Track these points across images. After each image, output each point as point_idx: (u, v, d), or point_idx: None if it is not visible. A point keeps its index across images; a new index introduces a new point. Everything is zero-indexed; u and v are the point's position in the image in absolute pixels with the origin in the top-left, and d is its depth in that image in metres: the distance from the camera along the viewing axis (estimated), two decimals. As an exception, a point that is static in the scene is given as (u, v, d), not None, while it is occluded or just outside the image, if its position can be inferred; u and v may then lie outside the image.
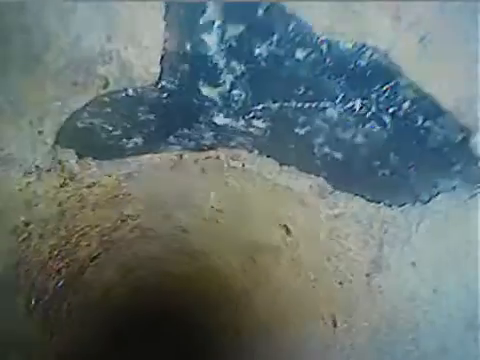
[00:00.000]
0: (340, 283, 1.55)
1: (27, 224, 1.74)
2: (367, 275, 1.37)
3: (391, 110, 1.06)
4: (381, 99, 1.06)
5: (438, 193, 1.08)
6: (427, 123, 1.01)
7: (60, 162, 1.54)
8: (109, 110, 1.38)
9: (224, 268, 2.81)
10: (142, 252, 2.87)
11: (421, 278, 1.13)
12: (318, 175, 1.51)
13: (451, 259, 1.01)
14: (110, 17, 0.98)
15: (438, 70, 0.83)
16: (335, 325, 1.60)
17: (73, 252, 2.30)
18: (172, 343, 4.15)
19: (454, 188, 1.02)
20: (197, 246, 2.76)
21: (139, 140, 1.59)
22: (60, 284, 2.34)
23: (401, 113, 1.05)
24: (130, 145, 1.61)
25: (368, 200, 1.34)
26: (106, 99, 1.30)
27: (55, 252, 2.16)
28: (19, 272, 1.93)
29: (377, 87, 1.04)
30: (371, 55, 0.96)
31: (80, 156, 1.58)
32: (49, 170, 1.51)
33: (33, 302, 2.11)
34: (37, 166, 1.43)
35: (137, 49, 1.09)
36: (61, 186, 1.67)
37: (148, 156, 1.72)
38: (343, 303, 1.54)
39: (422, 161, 1.09)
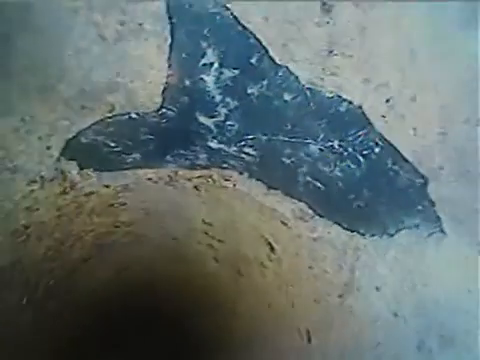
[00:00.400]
0: (316, 301, 1.67)
1: (26, 227, 1.85)
2: (340, 296, 1.50)
3: (365, 152, 1.19)
4: (356, 142, 1.19)
5: (403, 228, 1.21)
6: (395, 167, 1.14)
7: (63, 172, 1.65)
8: (112, 129, 1.50)
9: (213, 275, 2.92)
10: (134, 255, 2.98)
11: (385, 302, 1.25)
12: (300, 200, 1.64)
13: (409, 288, 1.13)
14: (120, 56, 1.10)
15: (399, 126, 0.97)
16: (310, 340, 1.71)
17: (66, 253, 2.40)
18: (165, 344, 4.24)
19: (417, 226, 1.15)
20: (187, 254, 2.87)
21: (138, 156, 1.71)
22: (52, 283, 2.43)
23: (373, 156, 1.18)
24: (129, 160, 1.73)
25: (344, 228, 1.46)
26: (110, 120, 1.43)
27: (49, 253, 2.25)
28: (14, 270, 2.03)
29: (353, 132, 1.17)
30: (349, 104, 1.10)
31: (81, 167, 1.69)
32: (52, 179, 1.62)
33: (25, 300, 2.20)
34: (42, 176, 1.54)
35: (142, 83, 1.21)
36: (61, 194, 1.78)
37: (145, 170, 1.84)
38: (318, 320, 1.66)
39: (391, 199, 1.23)
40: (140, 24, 1.00)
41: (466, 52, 0.78)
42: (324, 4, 0.86)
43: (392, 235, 1.25)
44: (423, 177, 1.00)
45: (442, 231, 1.01)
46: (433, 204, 1.01)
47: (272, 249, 1.95)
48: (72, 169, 1.66)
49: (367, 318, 1.32)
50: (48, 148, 1.39)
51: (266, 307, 2.14)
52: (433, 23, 0.79)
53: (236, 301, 2.55)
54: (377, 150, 1.15)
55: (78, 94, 1.19)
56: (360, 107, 1.04)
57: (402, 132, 0.97)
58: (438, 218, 1.02)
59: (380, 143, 1.10)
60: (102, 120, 1.39)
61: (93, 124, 1.40)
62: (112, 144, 1.59)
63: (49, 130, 1.30)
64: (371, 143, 1.15)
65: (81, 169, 1.69)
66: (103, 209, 2.13)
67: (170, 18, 1.03)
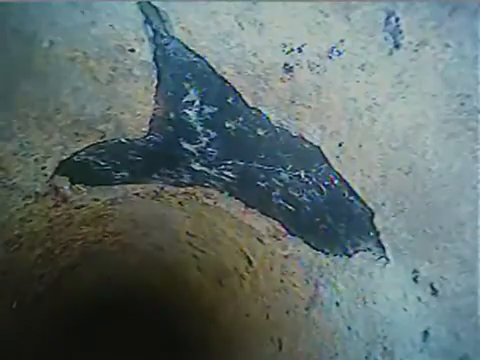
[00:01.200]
0: (287, 312, 1.82)
1: (19, 237, 1.96)
2: (306, 308, 1.65)
3: (326, 183, 1.36)
4: (319, 174, 1.35)
5: (359, 250, 1.37)
6: (351, 197, 1.30)
7: (56, 188, 1.78)
8: (103, 151, 1.63)
9: (195, 284, 3.05)
10: (121, 263, 3.10)
11: (341, 316, 1.41)
12: (275, 219, 1.79)
13: (361, 304, 1.29)
14: (111, 94, 1.25)
15: (350, 166, 1.13)
16: (280, 348, 1.86)
17: (56, 261, 2.51)
18: (148, 345, 4.34)
19: (370, 249, 1.31)
20: (172, 262, 3.01)
21: (126, 174, 1.85)
22: (41, 289, 2.54)
23: (333, 186, 1.34)
24: (118, 177, 1.86)
25: (311, 246, 1.62)
26: (102, 144, 1.57)
27: (39, 260, 2.37)
28: (6, 277, 2.14)
29: (316, 165, 1.33)
30: (310, 144, 1.26)
31: (73, 182, 1.82)
32: (45, 194, 1.75)
33: (15, 305, 2.31)
34: (36, 192, 1.67)
35: (131, 115, 1.36)
36: (53, 207, 1.91)
37: (133, 186, 1.98)
38: (288, 330, 1.81)
39: (348, 224, 1.39)
40: (130, 70, 1.15)
41: (398, 113, 0.94)
42: (286, 65, 1.02)
43: (350, 255, 1.41)
44: (370, 210, 1.17)
45: (386, 257, 1.17)
46: (378, 234, 1.17)
47: (250, 262, 2.10)
48: (64, 184, 1.80)
49: (328, 330, 1.47)
50: (43, 168, 1.52)
51: (244, 316, 2.28)
52: (373, 88, 0.95)
53: (216, 308, 2.69)
54: (336, 182, 1.31)
55: (73, 124, 1.33)
56: (319, 147, 1.20)
57: (352, 171, 1.13)
58: (383, 246, 1.18)
59: (337, 177, 1.26)
60: (94, 144, 1.53)
61: (86, 148, 1.54)
62: (102, 163, 1.73)
63: (45, 153, 1.44)
64: (331, 175, 1.31)
65: (73, 184, 1.82)
66: (92, 220, 2.26)
67: (157, 65, 1.18)
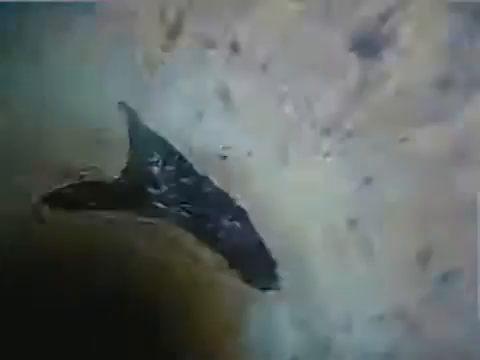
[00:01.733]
0: (220, 333, 2.21)
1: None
2: (233, 332, 2.04)
3: (253, 233, 1.77)
4: (248, 226, 1.77)
5: (269, 288, 1.79)
6: (266, 248, 1.73)
7: (37, 212, 2.11)
8: (80, 186, 1.99)
9: (152, 297, 3.36)
10: (90, 274, 3.38)
11: (253, 341, 1.81)
12: (221, 254, 2.20)
13: (262, 332, 1.71)
14: (94, 153, 1.63)
15: (262, 232, 1.55)
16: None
17: (28, 272, 2.78)
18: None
19: (276, 289, 1.74)
20: (132, 277, 3.32)
21: (99, 203, 2.20)
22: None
23: (257, 237, 1.76)
24: (92, 204, 2.22)
25: (243, 280, 2.03)
26: (79, 183, 1.93)
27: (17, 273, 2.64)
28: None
29: (247, 219, 1.75)
30: (240, 208, 1.68)
31: (52, 208, 2.16)
32: (28, 219, 2.08)
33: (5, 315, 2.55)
34: (21, 217, 2.00)
35: (108, 168, 1.74)
36: (34, 227, 2.23)
37: (104, 212, 2.33)
38: (220, 349, 2.20)
39: (264, 267, 1.81)
40: (109, 141, 1.54)
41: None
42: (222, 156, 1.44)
43: (265, 291, 1.83)
44: (274, 260, 1.60)
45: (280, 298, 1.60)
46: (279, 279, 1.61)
47: (197, 286, 2.47)
48: (45, 210, 2.13)
49: (244, 353, 1.87)
50: (28, 200, 1.87)
51: (184, 332, 2.64)
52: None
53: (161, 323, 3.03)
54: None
55: (59, 171, 1.70)
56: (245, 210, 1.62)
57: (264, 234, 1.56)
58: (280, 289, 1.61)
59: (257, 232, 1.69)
60: (74, 184, 1.89)
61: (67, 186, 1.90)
62: (79, 194, 2.09)
63: (32, 190, 1.79)
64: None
65: (51, 209, 2.16)
66: (64, 235, 2.57)
67: (130, 137, 1.57)
